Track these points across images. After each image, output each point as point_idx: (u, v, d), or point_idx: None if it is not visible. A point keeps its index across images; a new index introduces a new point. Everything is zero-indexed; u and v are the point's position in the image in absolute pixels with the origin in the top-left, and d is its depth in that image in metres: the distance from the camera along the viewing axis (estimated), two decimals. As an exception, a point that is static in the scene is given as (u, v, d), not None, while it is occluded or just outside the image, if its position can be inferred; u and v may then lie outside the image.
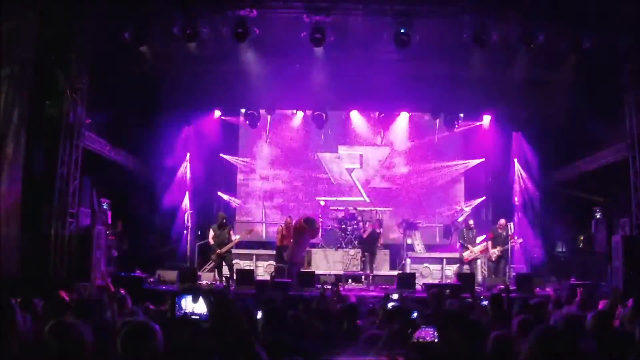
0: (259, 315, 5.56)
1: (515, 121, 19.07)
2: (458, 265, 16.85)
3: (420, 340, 4.84)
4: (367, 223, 17.76)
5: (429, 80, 16.79)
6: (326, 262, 17.31)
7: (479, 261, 16.89)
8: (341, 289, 14.83)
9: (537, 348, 3.96)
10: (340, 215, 18.51)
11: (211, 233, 15.98)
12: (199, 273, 15.97)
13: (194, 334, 4.57)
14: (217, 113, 19.93)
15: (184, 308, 5.04)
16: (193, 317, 4.97)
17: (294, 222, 16.17)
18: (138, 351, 3.81)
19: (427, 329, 4.91)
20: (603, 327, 5.54)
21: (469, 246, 16.43)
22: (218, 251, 15.64)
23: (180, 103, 18.14)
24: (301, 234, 15.42)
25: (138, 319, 4.82)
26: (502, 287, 13.93)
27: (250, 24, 13.82)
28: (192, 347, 4.40)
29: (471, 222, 17.09)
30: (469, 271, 16.14)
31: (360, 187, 20.64)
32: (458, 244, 16.94)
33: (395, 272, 16.51)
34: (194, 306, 5.00)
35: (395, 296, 10.37)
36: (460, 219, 19.12)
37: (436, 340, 4.84)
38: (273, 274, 15.00)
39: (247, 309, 5.76)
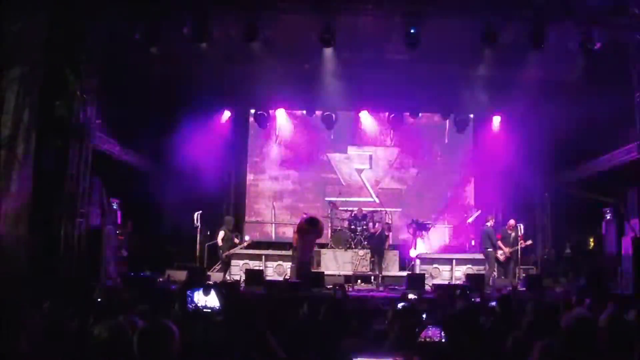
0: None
1: (525, 121, 18.98)
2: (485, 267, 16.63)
3: (428, 339, 4.82)
4: (377, 224, 17.73)
5: (439, 81, 16.76)
6: (335, 262, 17.27)
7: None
8: (350, 289, 14.93)
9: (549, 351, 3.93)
10: (350, 215, 18.48)
11: (222, 234, 16.06)
12: (208, 273, 16.02)
13: (206, 328, 4.54)
14: (227, 113, 19.98)
15: (195, 302, 5.00)
16: (205, 310, 4.93)
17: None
18: (155, 352, 3.77)
19: (434, 328, 4.89)
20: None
21: (504, 247, 16.23)
22: (226, 253, 15.82)
23: (190, 103, 18.15)
24: (304, 235, 15.43)
25: (157, 320, 4.78)
26: (511, 288, 13.99)
27: (260, 24, 13.82)
28: (204, 341, 4.37)
29: (512, 221, 16.75)
30: (482, 272, 16.10)
31: (370, 187, 20.62)
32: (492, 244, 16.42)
33: (404, 273, 16.47)
34: (206, 300, 4.96)
35: (412, 296, 10.31)
36: (469, 220, 19.05)
37: (443, 340, 4.81)
38: (287, 276, 15.05)
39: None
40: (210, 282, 14.73)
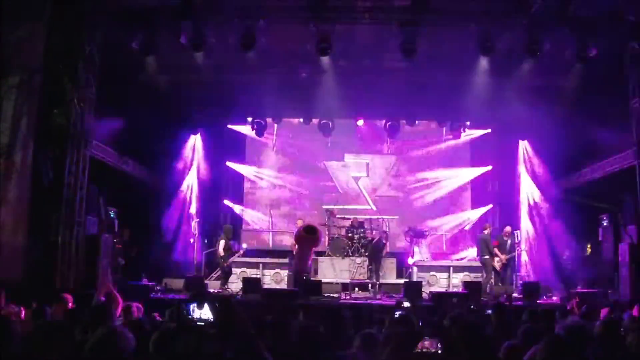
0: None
1: (521, 129, 19.01)
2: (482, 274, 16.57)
3: (424, 350, 4.83)
4: (374, 231, 17.74)
5: (435, 88, 16.75)
6: (333, 270, 17.25)
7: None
8: (348, 297, 14.94)
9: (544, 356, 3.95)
10: (347, 223, 18.49)
11: (222, 243, 16.07)
12: (206, 281, 16.00)
13: (200, 340, 4.56)
14: (224, 122, 19.99)
15: (190, 314, 5.04)
16: (199, 323, 4.96)
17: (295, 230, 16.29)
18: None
19: (430, 339, 4.90)
20: (610, 336, 5.53)
21: (500, 254, 16.21)
22: (227, 263, 15.87)
23: (187, 112, 18.19)
24: (302, 243, 15.42)
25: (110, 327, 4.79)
26: (507, 295, 13.99)
27: (256, 33, 13.85)
28: (197, 353, 4.39)
29: (508, 228, 16.84)
30: (479, 280, 16.08)
31: (367, 195, 20.64)
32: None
33: (401, 281, 16.47)
34: (200, 312, 5.00)
35: (406, 304, 10.35)
36: (467, 227, 19.07)
37: (439, 351, 4.82)
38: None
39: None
40: (208, 291, 14.81)
